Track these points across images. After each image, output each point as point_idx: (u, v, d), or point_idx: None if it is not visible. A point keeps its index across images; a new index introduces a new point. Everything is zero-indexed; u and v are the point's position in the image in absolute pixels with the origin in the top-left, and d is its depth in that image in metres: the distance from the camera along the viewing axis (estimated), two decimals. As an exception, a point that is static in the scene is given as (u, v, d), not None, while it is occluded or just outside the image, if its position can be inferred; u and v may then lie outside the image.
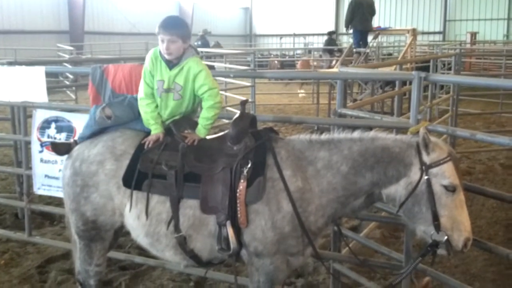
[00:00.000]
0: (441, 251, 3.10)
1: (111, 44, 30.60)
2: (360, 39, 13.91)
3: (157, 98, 3.60)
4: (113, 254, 5.06)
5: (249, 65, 15.31)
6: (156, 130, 3.57)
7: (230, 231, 3.22)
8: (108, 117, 3.70)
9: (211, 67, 10.95)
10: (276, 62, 26.44)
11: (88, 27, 30.60)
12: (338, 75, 5.33)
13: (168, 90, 3.55)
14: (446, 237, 3.02)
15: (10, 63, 5.91)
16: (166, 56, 3.49)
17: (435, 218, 3.03)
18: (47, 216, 6.68)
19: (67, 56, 20.56)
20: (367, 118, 4.72)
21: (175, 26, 3.49)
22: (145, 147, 3.50)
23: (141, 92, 3.64)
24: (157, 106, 3.61)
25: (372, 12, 14.07)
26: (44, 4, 28.58)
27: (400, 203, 3.16)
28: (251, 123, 3.47)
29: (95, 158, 3.59)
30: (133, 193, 3.45)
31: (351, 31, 14.42)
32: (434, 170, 3.06)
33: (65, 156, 3.86)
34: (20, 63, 5.83)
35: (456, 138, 8.77)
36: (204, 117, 3.52)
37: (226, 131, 3.51)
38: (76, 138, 4.04)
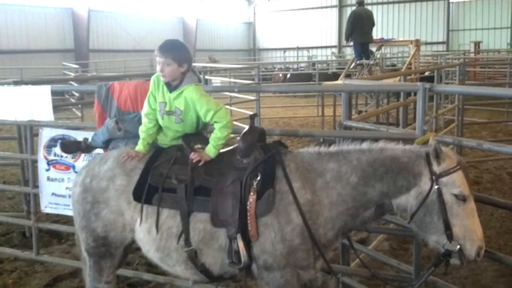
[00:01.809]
0: (454, 261, 3.08)
1: (116, 61, 30.82)
2: (361, 51, 13.95)
3: (160, 119, 3.65)
4: (122, 271, 5.04)
5: (253, 79, 15.35)
6: (138, 148, 3.64)
7: (240, 244, 3.21)
8: (119, 129, 3.86)
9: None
10: (280, 75, 26.54)
11: (93, 45, 30.86)
12: (342, 87, 5.34)
13: (169, 113, 3.59)
14: (458, 246, 3.00)
15: (16, 83, 5.95)
16: (162, 79, 3.55)
17: (447, 227, 3.01)
18: (54, 234, 6.67)
19: (72, 74, 20.70)
20: (373, 130, 4.72)
21: (171, 49, 3.52)
22: (122, 160, 3.58)
23: (143, 111, 3.72)
24: (154, 126, 3.66)
25: (371, 24, 14.13)
26: (49, 23, 28.86)
27: (412, 213, 3.15)
28: (260, 137, 3.48)
29: (105, 174, 3.61)
30: (143, 207, 3.45)
31: (351, 43, 14.47)
32: (444, 180, 3.05)
33: (73, 174, 3.88)
34: (26, 82, 5.86)
35: (462, 147, 8.74)
36: (217, 137, 3.51)
37: (235, 145, 3.51)
38: (85, 138, 4.13)
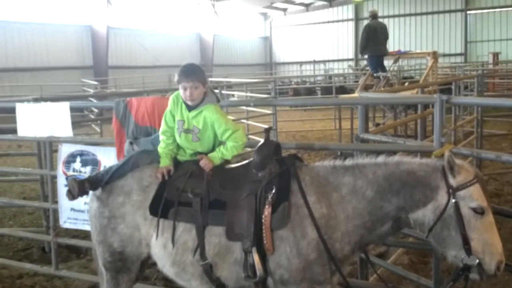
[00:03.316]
0: (473, 276, 3.04)
1: (134, 77, 31.13)
2: (377, 64, 13.92)
3: (178, 138, 3.70)
4: (139, 286, 5.05)
5: (269, 93, 15.39)
6: (163, 163, 3.65)
7: (256, 258, 3.20)
8: (133, 150, 3.93)
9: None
10: (291, 90, 26.47)
11: (111, 61, 31.22)
12: (359, 100, 5.33)
13: (187, 131, 3.64)
14: (477, 261, 2.96)
15: (36, 100, 6.04)
16: (189, 103, 3.60)
17: (465, 241, 2.98)
18: (73, 249, 6.72)
19: (91, 91, 20.99)
20: (390, 143, 4.69)
21: (195, 72, 3.60)
22: (158, 177, 3.58)
23: (160, 130, 3.78)
24: (173, 143, 3.71)
25: (386, 36, 14.12)
26: (68, 41, 29.28)
27: (429, 228, 3.12)
28: (275, 150, 3.49)
29: (122, 190, 3.64)
30: (159, 221, 3.47)
31: (366, 56, 14.45)
32: (461, 193, 3.02)
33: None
34: (46, 99, 5.95)
35: (482, 160, 8.63)
36: (224, 152, 3.56)
37: (250, 159, 3.52)
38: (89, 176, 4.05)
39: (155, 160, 3.72)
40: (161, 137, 3.74)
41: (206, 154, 3.64)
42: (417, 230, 3.59)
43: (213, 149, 3.69)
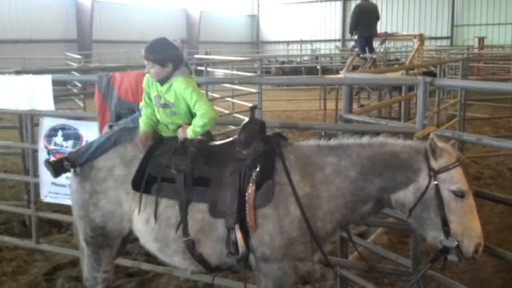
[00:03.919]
0: (451, 257, 3.07)
1: (119, 52, 30.78)
2: (365, 44, 13.90)
3: (157, 114, 3.69)
4: (121, 261, 5.06)
5: (256, 72, 15.33)
6: (142, 131, 3.66)
7: (238, 235, 3.22)
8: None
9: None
10: (274, 68, 26.42)
11: (96, 35, 30.82)
12: (343, 80, 5.33)
13: (164, 106, 3.62)
14: (456, 243, 2.99)
15: (18, 72, 5.95)
16: (152, 79, 3.62)
17: (445, 224, 3.00)
18: (54, 223, 6.70)
19: (75, 65, 20.70)
20: (373, 123, 4.71)
21: (152, 51, 3.54)
22: (136, 144, 3.61)
23: (140, 105, 3.82)
24: (152, 113, 3.71)
25: (376, 17, 14.08)
26: (52, 14, 28.81)
27: (409, 209, 3.14)
28: (260, 129, 3.48)
29: (104, 164, 3.62)
30: (142, 196, 3.46)
31: (355, 37, 14.43)
32: (442, 176, 3.04)
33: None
34: (28, 72, 5.86)
35: (464, 143, 8.73)
36: (196, 124, 3.52)
37: (235, 137, 3.51)
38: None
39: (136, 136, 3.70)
40: (142, 110, 3.75)
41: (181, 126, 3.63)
42: (398, 211, 3.63)
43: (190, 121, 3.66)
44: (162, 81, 3.59)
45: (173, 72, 3.55)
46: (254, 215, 3.21)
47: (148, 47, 3.55)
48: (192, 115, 3.62)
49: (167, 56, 3.53)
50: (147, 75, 3.69)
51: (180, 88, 3.52)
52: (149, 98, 3.72)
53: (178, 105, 3.58)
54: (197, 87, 3.62)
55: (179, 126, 3.64)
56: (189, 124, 3.58)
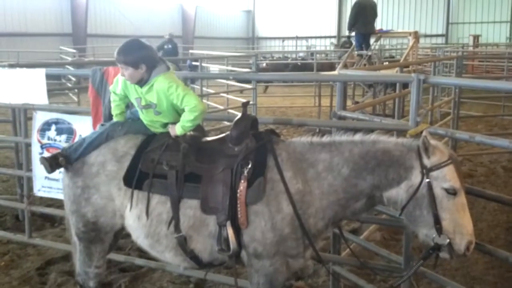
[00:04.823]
0: (443, 255, 3.08)
1: (113, 46, 30.56)
2: (362, 41, 13.92)
3: (141, 115, 3.69)
4: (113, 256, 5.06)
5: (251, 68, 15.32)
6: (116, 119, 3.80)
7: (230, 232, 3.22)
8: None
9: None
10: (264, 65, 26.26)
11: (90, 30, 30.66)
12: (338, 77, 5.33)
13: (147, 107, 3.60)
14: (448, 241, 3.00)
15: (12, 66, 5.92)
16: (128, 82, 3.59)
17: (437, 221, 3.01)
18: (47, 218, 6.68)
19: (69, 59, 20.62)
20: (367, 120, 4.71)
21: (123, 53, 3.48)
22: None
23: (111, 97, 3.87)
24: (121, 100, 3.80)
25: (374, 14, 14.11)
26: (47, 7, 28.63)
27: (402, 206, 3.15)
28: (252, 125, 3.48)
29: (96, 159, 3.61)
30: (133, 193, 3.45)
31: (353, 33, 14.43)
32: (434, 173, 3.04)
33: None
34: (22, 66, 5.84)
35: (457, 140, 8.75)
36: (184, 119, 3.51)
37: (227, 133, 3.51)
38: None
39: (129, 131, 3.70)
40: (112, 99, 3.82)
41: (168, 123, 3.63)
42: (390, 208, 3.64)
43: (179, 118, 3.64)
44: (140, 83, 3.55)
45: (150, 73, 3.50)
46: (246, 212, 3.21)
47: (119, 49, 3.49)
48: (177, 112, 3.61)
49: (139, 57, 3.46)
50: (122, 78, 3.64)
51: (163, 88, 3.48)
52: (120, 99, 3.76)
53: (161, 105, 3.55)
54: (180, 82, 3.58)
55: (166, 124, 3.63)
56: (175, 121, 3.58)
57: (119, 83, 3.71)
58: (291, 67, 24.04)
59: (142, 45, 3.55)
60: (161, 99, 3.52)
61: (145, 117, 3.66)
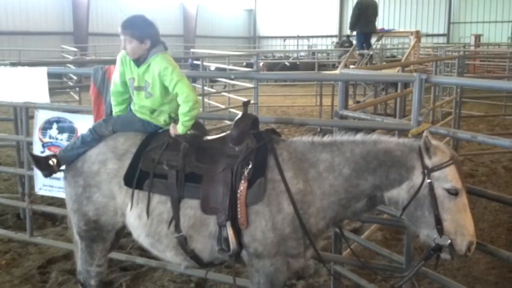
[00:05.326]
0: (444, 255, 3.07)
1: (115, 45, 30.65)
2: (364, 41, 13.92)
3: (133, 96, 3.69)
4: (115, 255, 5.06)
5: (252, 67, 15.32)
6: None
7: (230, 232, 3.21)
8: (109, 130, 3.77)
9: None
10: (261, 65, 26.27)
11: (92, 28, 30.67)
12: (339, 76, 5.32)
13: (139, 88, 3.59)
14: (449, 241, 2.99)
15: (13, 64, 5.92)
16: (128, 57, 3.56)
17: (438, 222, 3.01)
18: (49, 216, 6.68)
19: (71, 57, 20.62)
20: (368, 120, 4.71)
21: (130, 26, 3.49)
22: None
23: (110, 89, 3.84)
24: (122, 102, 3.80)
25: (376, 14, 14.12)
26: (48, 6, 28.65)
27: (403, 207, 3.14)
28: (253, 124, 3.47)
29: (97, 158, 3.60)
30: (134, 192, 3.45)
31: (354, 33, 14.44)
32: (436, 174, 3.04)
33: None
34: (24, 64, 5.84)
35: (459, 140, 8.75)
36: (181, 113, 3.51)
37: (228, 132, 3.51)
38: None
39: (115, 126, 3.71)
40: (112, 99, 3.80)
41: (156, 110, 3.63)
42: (392, 208, 3.64)
43: (169, 108, 3.63)
44: (138, 62, 3.54)
45: (150, 51, 3.50)
46: (246, 212, 3.20)
47: (126, 21, 3.49)
48: (166, 97, 3.59)
49: (146, 32, 3.49)
50: (121, 55, 3.63)
51: (159, 67, 3.48)
52: (121, 80, 3.68)
53: (154, 86, 3.54)
54: (176, 65, 3.58)
55: (153, 111, 3.62)
56: (163, 110, 3.60)
57: (117, 65, 3.69)
58: (280, 67, 24.23)
59: (150, 21, 3.58)
60: (155, 79, 3.52)
61: (136, 100, 3.66)
